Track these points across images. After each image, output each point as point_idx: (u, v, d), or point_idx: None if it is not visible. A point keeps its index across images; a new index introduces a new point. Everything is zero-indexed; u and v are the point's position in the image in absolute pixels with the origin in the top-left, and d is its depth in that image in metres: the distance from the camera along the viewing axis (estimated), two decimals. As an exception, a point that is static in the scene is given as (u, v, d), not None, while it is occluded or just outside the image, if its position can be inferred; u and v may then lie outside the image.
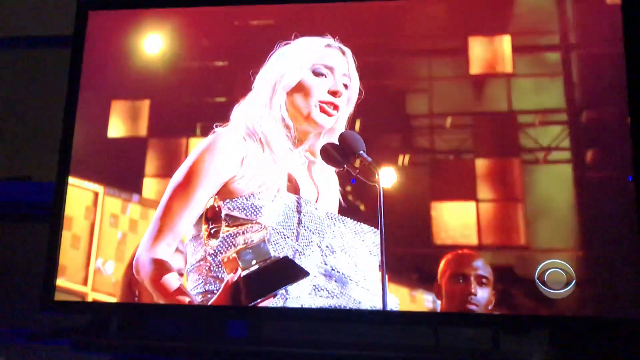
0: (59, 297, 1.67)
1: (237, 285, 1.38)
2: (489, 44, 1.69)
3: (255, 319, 1.81)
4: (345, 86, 1.55)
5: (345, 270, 1.47)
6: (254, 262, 1.38)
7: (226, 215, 1.38)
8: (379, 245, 1.46)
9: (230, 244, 1.42)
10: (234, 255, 1.38)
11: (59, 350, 2.03)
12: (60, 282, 1.68)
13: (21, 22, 2.54)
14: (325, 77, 1.53)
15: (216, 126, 1.54)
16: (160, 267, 1.43)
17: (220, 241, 1.41)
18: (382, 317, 1.49)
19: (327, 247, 1.47)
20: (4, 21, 2.55)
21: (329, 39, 1.57)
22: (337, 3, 1.74)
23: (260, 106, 1.52)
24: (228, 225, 1.38)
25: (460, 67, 1.70)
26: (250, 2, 1.79)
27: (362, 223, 1.52)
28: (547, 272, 1.53)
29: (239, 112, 1.55)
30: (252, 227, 1.41)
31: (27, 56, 2.55)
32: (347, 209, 1.56)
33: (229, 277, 1.38)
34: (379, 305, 1.46)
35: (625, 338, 1.60)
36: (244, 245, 1.39)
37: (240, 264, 1.37)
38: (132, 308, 1.62)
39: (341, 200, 1.57)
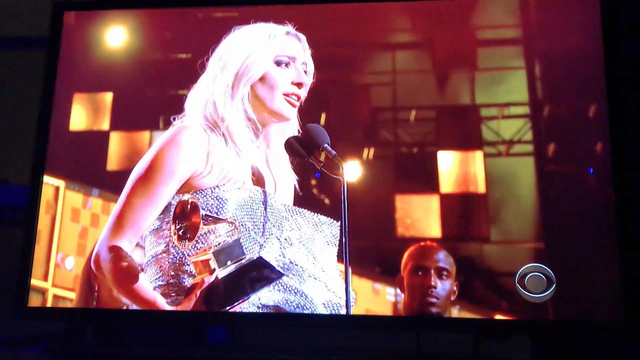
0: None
1: (213, 288, 1.33)
2: (454, 38, 1.69)
3: (237, 324, 1.78)
4: (305, 73, 1.53)
5: (303, 263, 1.44)
6: (229, 263, 1.34)
7: (205, 215, 1.33)
8: (337, 236, 1.45)
9: (202, 243, 1.37)
10: (208, 256, 1.33)
11: (33, 357, 1.99)
12: (21, 278, 1.64)
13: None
14: (288, 67, 1.51)
15: (173, 119, 1.52)
16: (121, 260, 1.37)
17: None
18: (368, 322, 1.52)
19: (285, 239, 1.45)
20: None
21: (287, 27, 1.55)
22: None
23: (220, 95, 1.48)
24: (205, 224, 1.33)
25: (425, 61, 1.70)
26: (216, 3, 1.78)
27: (319, 214, 1.50)
28: (528, 276, 1.53)
29: (193, 98, 1.52)
30: (224, 226, 1.37)
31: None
32: (310, 202, 1.54)
33: (201, 277, 1.34)
34: (335, 300, 1.44)
35: (606, 342, 1.58)
36: (218, 246, 1.34)
37: (215, 265, 1.32)
38: (109, 314, 1.55)
39: (297, 191, 1.55)
